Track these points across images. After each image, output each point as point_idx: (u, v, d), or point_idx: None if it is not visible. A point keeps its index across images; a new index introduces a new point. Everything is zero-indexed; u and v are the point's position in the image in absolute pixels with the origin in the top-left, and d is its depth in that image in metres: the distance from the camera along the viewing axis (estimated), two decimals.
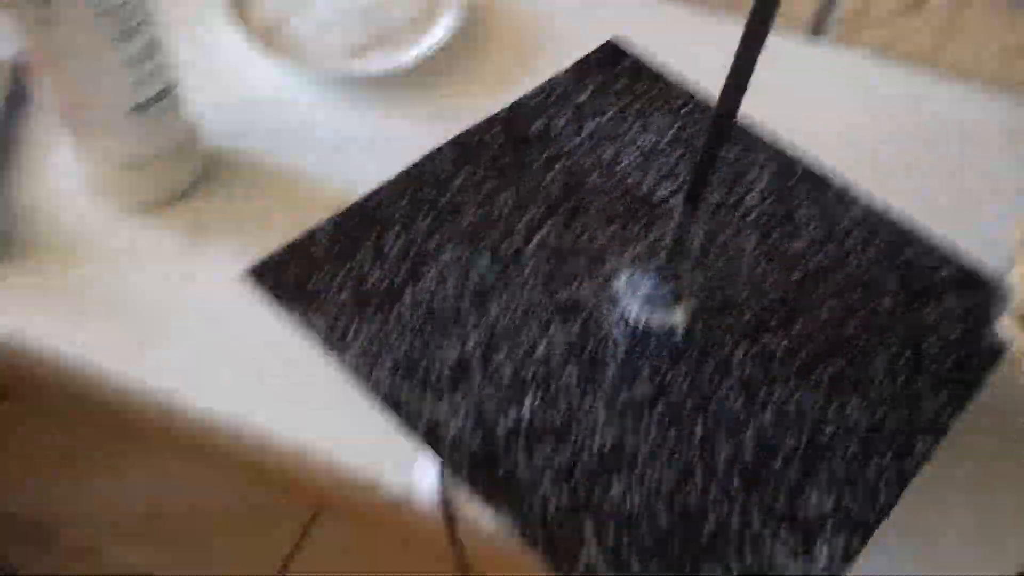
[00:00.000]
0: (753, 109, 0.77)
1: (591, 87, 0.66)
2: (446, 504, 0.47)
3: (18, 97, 0.64)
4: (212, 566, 1.14)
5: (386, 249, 0.55)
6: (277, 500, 1.15)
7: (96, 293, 0.56)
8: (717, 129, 0.43)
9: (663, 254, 0.52)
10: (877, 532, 0.55)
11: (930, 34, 0.79)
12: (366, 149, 0.66)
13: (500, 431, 0.48)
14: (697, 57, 0.80)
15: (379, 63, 0.70)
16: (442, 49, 0.77)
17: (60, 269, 0.57)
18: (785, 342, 0.53)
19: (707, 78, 0.71)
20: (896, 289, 0.56)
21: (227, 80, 0.69)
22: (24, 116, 0.64)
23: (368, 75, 0.71)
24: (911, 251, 0.58)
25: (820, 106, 0.79)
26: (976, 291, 0.56)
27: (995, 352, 0.53)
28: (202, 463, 1.17)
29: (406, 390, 0.48)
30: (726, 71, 0.41)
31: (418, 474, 0.49)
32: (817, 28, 0.82)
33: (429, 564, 0.63)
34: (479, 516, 0.47)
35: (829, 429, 0.49)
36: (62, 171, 0.60)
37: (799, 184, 0.61)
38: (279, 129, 0.66)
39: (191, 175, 0.60)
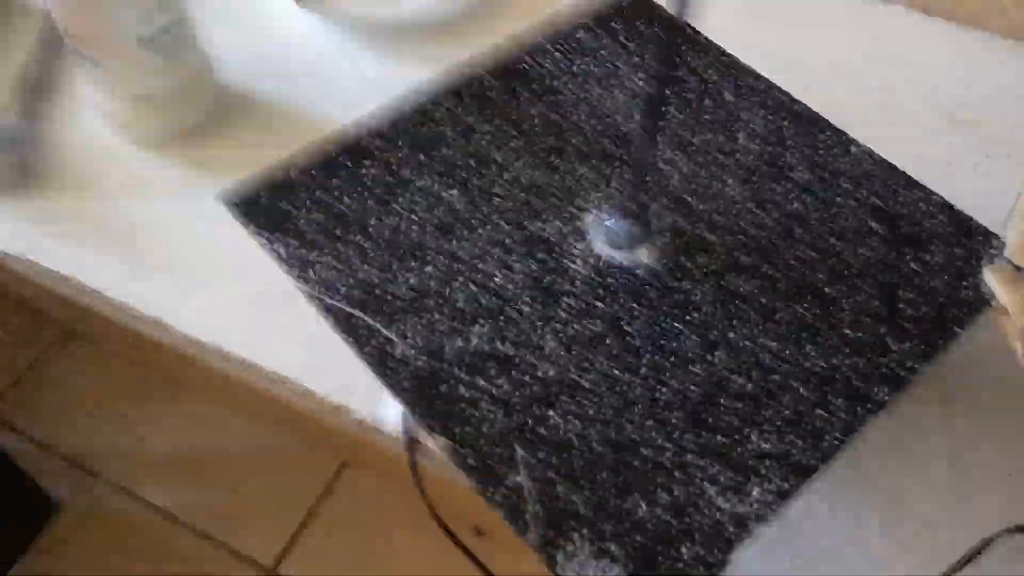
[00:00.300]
0: (754, 49, 0.75)
1: (593, 24, 0.65)
2: (408, 433, 0.48)
3: (53, 39, 0.67)
4: (242, 508, 1.20)
5: (361, 177, 0.56)
6: (308, 448, 1.19)
7: (102, 221, 0.59)
8: (669, 46, 0.42)
9: (626, 191, 0.51)
10: (844, 489, 0.54)
11: None
12: (380, 96, 0.67)
13: (447, 355, 0.48)
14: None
15: (404, 10, 0.70)
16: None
17: (72, 197, 0.60)
18: (752, 283, 0.52)
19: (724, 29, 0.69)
20: (881, 236, 0.54)
21: (247, 20, 0.70)
22: (58, 56, 0.67)
23: (392, 22, 0.71)
24: (903, 198, 0.55)
25: (825, 46, 0.76)
26: (967, 242, 0.54)
27: (974, 306, 0.51)
28: (236, 408, 1.23)
29: (361, 314, 0.50)
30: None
31: (384, 402, 0.50)
32: None
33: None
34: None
35: (782, 371, 0.48)
36: (85, 106, 0.63)
37: (793, 126, 0.59)
38: (297, 71, 0.67)
39: (203, 111, 0.62)
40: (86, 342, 1.33)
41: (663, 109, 0.57)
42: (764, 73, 0.64)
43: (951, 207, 0.55)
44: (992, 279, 0.51)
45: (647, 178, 0.52)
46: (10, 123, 0.59)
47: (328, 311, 0.50)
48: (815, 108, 0.73)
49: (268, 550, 1.18)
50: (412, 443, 0.48)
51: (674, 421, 0.46)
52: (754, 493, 0.44)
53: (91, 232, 0.58)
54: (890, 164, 0.57)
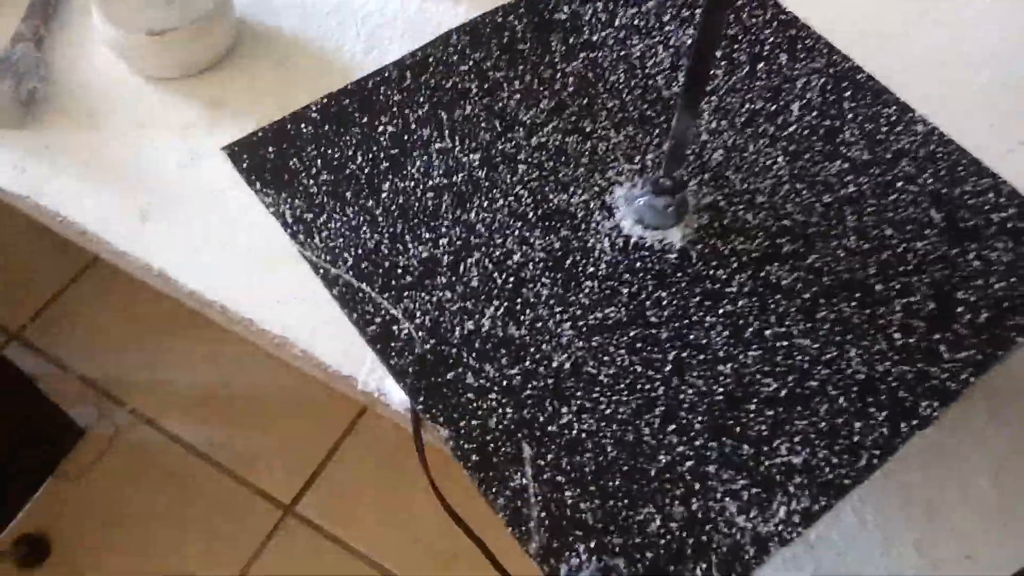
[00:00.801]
0: (815, 9, 0.68)
1: None
2: (415, 411, 0.45)
3: None
4: (263, 446, 1.19)
5: (375, 135, 0.52)
6: (329, 390, 1.17)
7: (107, 162, 0.56)
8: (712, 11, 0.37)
9: (663, 164, 0.46)
10: (878, 498, 0.50)
11: None
12: (407, 33, 0.62)
13: (455, 338, 0.45)
14: None
15: None
16: None
17: (79, 133, 0.57)
18: (794, 275, 0.47)
19: None
20: (941, 227, 0.48)
21: None
22: None
23: None
24: (970, 186, 0.50)
25: (897, 6, 0.69)
26: None
27: None
28: (258, 349, 1.21)
29: (367, 288, 0.46)
30: None
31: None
32: None
33: None
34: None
35: (819, 377, 0.44)
36: (97, 39, 0.60)
37: (854, 98, 0.53)
38: (316, 8, 0.63)
39: (218, 48, 0.58)
40: (112, 270, 1.31)
41: (710, 72, 0.52)
42: (825, 33, 0.58)
43: (1019, 197, 0.49)
44: None
45: (687, 151, 0.47)
46: (21, 52, 0.56)
47: (332, 283, 0.46)
48: (878, 73, 0.66)
49: (287, 487, 1.18)
50: (418, 420, 0.45)
51: (697, 426, 0.43)
52: (779, 512, 0.40)
53: (96, 172, 0.55)
54: (958, 146, 0.51)
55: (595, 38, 0.56)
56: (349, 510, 1.17)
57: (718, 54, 0.55)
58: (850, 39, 0.68)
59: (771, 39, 0.56)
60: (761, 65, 0.54)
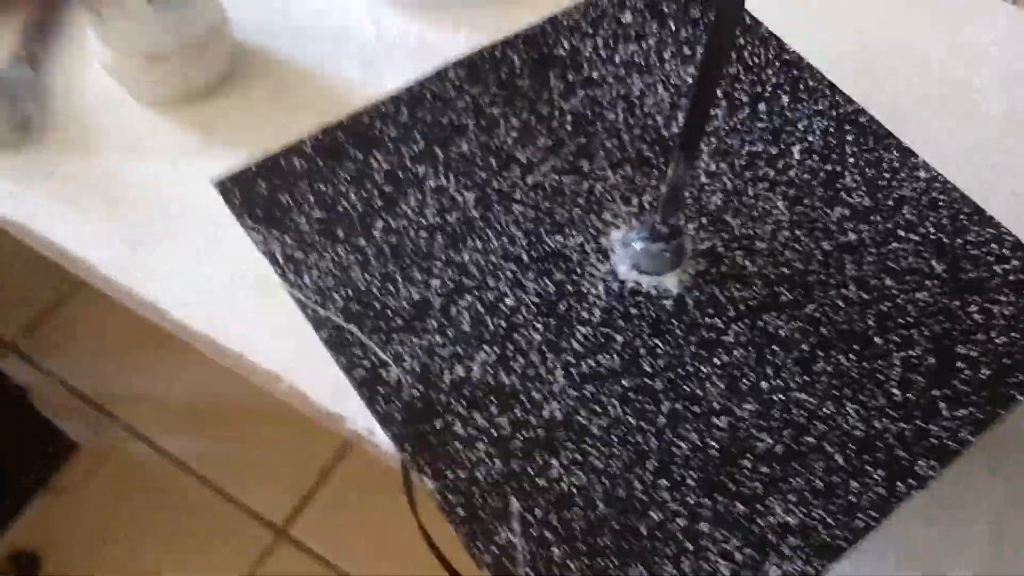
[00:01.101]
0: (816, 34, 0.68)
1: (640, 5, 0.58)
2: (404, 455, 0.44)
3: None
4: (257, 464, 1.18)
5: (369, 171, 0.51)
6: None
7: (99, 188, 0.55)
8: (715, 52, 0.36)
9: (659, 208, 0.46)
10: (874, 555, 0.49)
11: None
12: (404, 63, 0.62)
13: (444, 385, 0.44)
14: None
15: None
16: None
17: (72, 157, 0.56)
18: (791, 324, 0.46)
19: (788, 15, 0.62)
20: (941, 278, 0.48)
21: None
22: (66, 5, 0.63)
23: None
24: (972, 235, 0.49)
25: (894, 34, 0.69)
26: None
27: None
28: None
29: (354, 329, 0.45)
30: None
31: None
32: None
33: None
34: None
35: (816, 432, 0.43)
36: (92, 60, 0.59)
37: (856, 141, 0.53)
38: (317, 30, 0.62)
39: (215, 73, 0.57)
40: None
41: (710, 115, 0.51)
42: (825, 64, 0.57)
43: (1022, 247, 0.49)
44: None
45: (684, 196, 0.46)
46: (16, 73, 0.55)
47: (321, 324, 0.45)
48: (881, 113, 0.66)
49: (280, 508, 1.17)
50: (408, 465, 0.44)
51: (690, 482, 0.42)
52: (771, 574, 0.39)
53: (88, 198, 0.55)
54: (962, 194, 0.50)
55: (595, 75, 0.55)
56: (342, 533, 1.16)
57: (719, 94, 0.54)
58: (854, 78, 0.67)
59: (773, 79, 0.55)
60: (762, 106, 0.54)
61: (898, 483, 0.42)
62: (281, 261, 0.47)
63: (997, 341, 0.46)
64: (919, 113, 0.67)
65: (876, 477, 0.42)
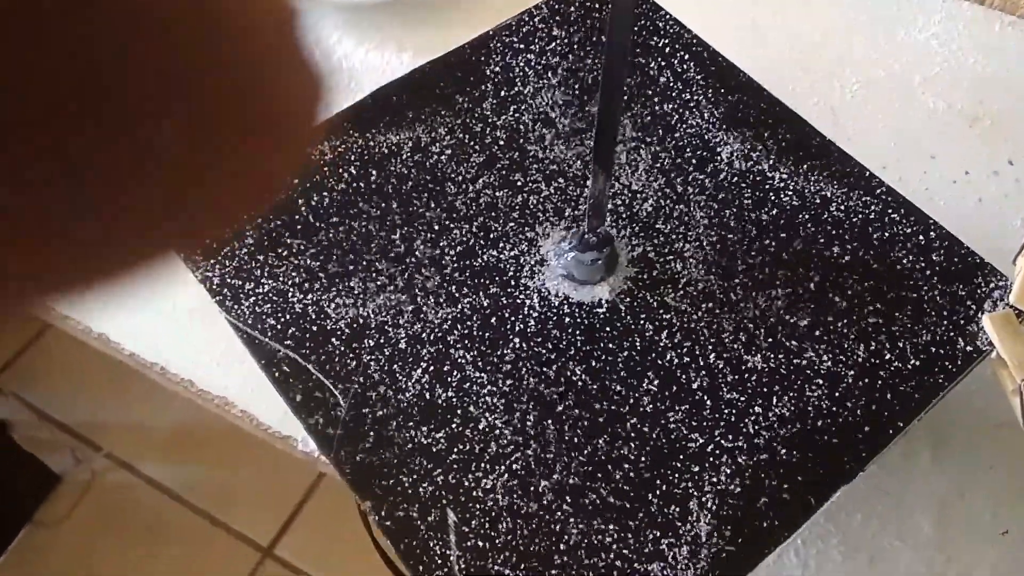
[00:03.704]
0: (742, 29, 0.69)
1: (570, 20, 0.59)
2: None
3: None
4: (241, 488, 1.19)
5: (304, 195, 0.52)
6: None
7: None
8: (613, 67, 0.37)
9: (585, 220, 0.47)
10: (819, 544, 0.50)
11: None
12: (352, 83, 0.63)
13: (382, 404, 0.45)
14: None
15: None
16: None
17: None
18: (721, 325, 0.47)
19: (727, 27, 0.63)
20: (871, 272, 0.48)
21: None
22: None
23: (363, 2, 0.68)
24: (899, 228, 0.50)
25: (832, 28, 0.70)
26: (967, 283, 0.48)
27: (969, 358, 0.46)
28: None
29: (291, 354, 0.46)
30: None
31: None
32: None
33: None
34: None
35: (746, 430, 0.44)
36: None
37: (782, 141, 0.53)
38: None
39: None
40: None
41: (618, 129, 0.52)
42: (762, 66, 0.59)
43: (951, 238, 0.49)
44: (991, 328, 0.46)
45: (606, 207, 0.47)
46: None
47: (258, 350, 0.46)
48: (816, 104, 0.67)
49: (265, 530, 1.18)
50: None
51: (623, 486, 0.42)
52: (710, 572, 0.40)
53: None
54: (890, 188, 0.51)
55: (527, 90, 0.56)
56: (329, 551, 1.16)
57: (654, 102, 0.55)
58: (792, 79, 0.68)
59: (701, 82, 0.56)
60: (689, 112, 0.55)
61: (828, 477, 0.42)
62: (218, 288, 0.48)
63: (924, 335, 0.47)
64: (858, 110, 0.68)
65: (807, 473, 0.43)
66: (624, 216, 0.51)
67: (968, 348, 0.46)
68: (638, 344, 0.47)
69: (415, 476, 0.43)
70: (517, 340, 0.47)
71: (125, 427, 1.26)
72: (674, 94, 0.55)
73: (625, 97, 0.55)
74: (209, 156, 0.15)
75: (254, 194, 0.17)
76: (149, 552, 1.17)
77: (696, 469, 0.43)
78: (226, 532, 1.18)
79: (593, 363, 0.46)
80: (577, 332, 0.47)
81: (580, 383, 0.45)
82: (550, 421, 0.44)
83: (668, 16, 0.58)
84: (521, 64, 0.57)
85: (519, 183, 0.52)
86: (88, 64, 0.12)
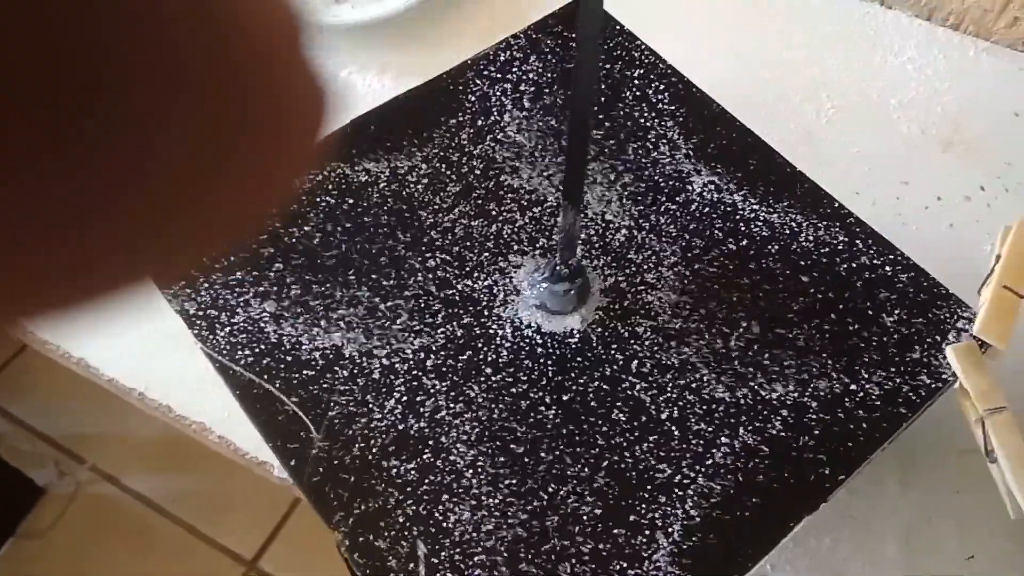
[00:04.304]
0: (733, 78, 0.70)
1: (548, 51, 0.60)
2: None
3: None
4: (225, 500, 1.19)
5: (279, 223, 0.52)
6: None
7: None
8: (581, 103, 0.38)
9: (557, 252, 0.47)
10: (786, 571, 0.51)
11: None
12: (342, 103, 0.63)
13: (354, 433, 0.45)
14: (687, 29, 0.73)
15: (357, 12, 0.67)
16: (424, 1, 0.73)
17: None
18: (691, 357, 0.48)
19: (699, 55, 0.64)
20: (840, 307, 0.49)
21: None
22: None
23: (344, 24, 0.68)
24: (866, 259, 0.51)
25: (810, 52, 0.71)
26: (932, 313, 0.49)
27: (932, 389, 0.47)
28: None
29: (265, 384, 0.47)
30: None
31: None
32: None
33: None
34: None
35: (713, 462, 0.45)
36: None
37: (754, 172, 0.54)
38: None
39: None
40: None
41: (586, 164, 0.53)
42: (740, 92, 0.59)
43: (917, 269, 0.50)
44: (955, 359, 0.47)
45: (577, 239, 0.48)
46: None
47: (232, 380, 0.47)
48: (792, 130, 0.68)
49: (250, 543, 1.18)
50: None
51: (592, 518, 0.43)
52: None
53: None
54: (856, 218, 0.52)
55: (504, 119, 0.57)
56: (311, 565, 1.17)
57: (627, 132, 0.56)
58: (768, 105, 0.69)
59: (675, 113, 0.57)
60: (664, 141, 0.55)
61: (794, 507, 0.43)
62: (193, 317, 0.49)
63: (889, 366, 0.47)
64: (833, 134, 0.69)
65: (771, 504, 0.43)
66: (597, 246, 0.52)
67: (932, 379, 0.47)
68: (608, 374, 0.47)
69: (386, 507, 0.43)
70: (489, 371, 0.47)
71: (109, 439, 1.26)
72: (648, 124, 0.56)
73: (597, 132, 0.55)
74: (209, 162, 0.15)
75: (246, 208, 0.17)
76: (133, 565, 1.17)
77: (663, 500, 0.44)
78: (210, 545, 1.18)
79: (564, 394, 0.47)
80: (549, 363, 0.48)
81: (551, 414, 0.46)
82: (521, 453, 0.45)
83: (643, 46, 0.59)
84: (499, 94, 0.57)
85: (494, 212, 0.53)
86: (89, 65, 0.12)
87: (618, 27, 0.60)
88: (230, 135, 0.15)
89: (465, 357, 0.48)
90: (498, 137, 0.56)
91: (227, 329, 0.48)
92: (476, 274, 0.50)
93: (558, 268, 0.48)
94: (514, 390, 0.47)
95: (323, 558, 1.15)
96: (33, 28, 0.11)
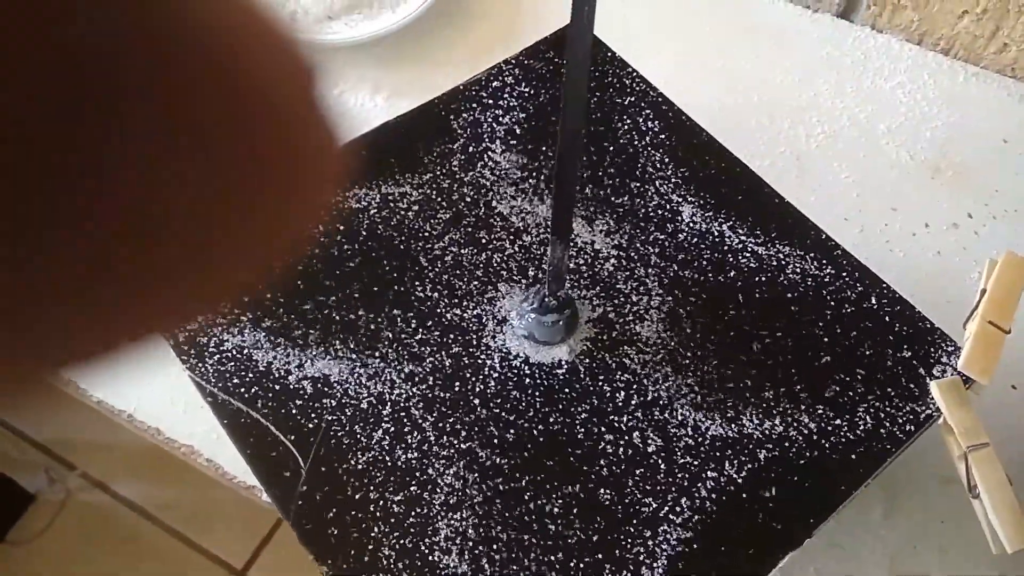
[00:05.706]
0: (710, 76, 0.70)
1: (538, 76, 0.60)
2: None
3: None
4: (216, 508, 1.19)
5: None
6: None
7: None
8: (570, 145, 0.38)
9: (545, 284, 0.47)
10: None
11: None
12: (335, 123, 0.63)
13: (342, 465, 0.46)
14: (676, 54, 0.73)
15: (350, 30, 0.67)
16: (418, 19, 0.73)
17: None
18: (677, 389, 0.48)
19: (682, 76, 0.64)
20: (829, 337, 0.50)
21: None
22: None
23: (337, 41, 0.68)
24: (854, 292, 0.51)
25: (797, 75, 0.72)
26: (917, 347, 0.49)
27: (917, 424, 0.47)
28: None
29: (253, 413, 0.47)
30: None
31: None
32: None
33: None
34: None
35: (699, 496, 0.45)
36: None
37: (742, 203, 0.55)
38: None
39: None
40: None
41: (575, 198, 0.53)
42: (730, 118, 0.60)
43: (903, 302, 0.51)
44: (938, 395, 0.47)
45: (565, 272, 0.48)
46: None
47: (220, 408, 0.47)
48: (782, 155, 0.68)
49: (240, 551, 1.18)
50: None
51: (578, 551, 0.43)
52: None
53: None
54: (843, 250, 0.52)
55: (495, 146, 0.57)
56: (301, 573, 1.17)
57: (618, 160, 0.56)
58: (757, 131, 0.70)
59: (665, 142, 0.57)
60: (652, 172, 0.56)
61: (776, 543, 0.44)
62: (182, 345, 0.49)
63: (874, 401, 0.48)
64: (823, 160, 0.70)
65: (755, 539, 0.44)
66: (586, 276, 0.52)
67: (917, 414, 0.47)
68: (596, 405, 0.48)
69: (372, 540, 0.43)
70: (477, 401, 0.48)
71: (99, 446, 1.26)
72: (638, 153, 0.56)
73: (586, 159, 0.56)
74: (226, 220, 0.15)
75: (264, 260, 0.17)
76: (123, 572, 1.17)
77: (648, 533, 0.44)
78: (201, 553, 1.18)
79: (552, 426, 0.47)
80: (536, 394, 0.48)
81: (538, 446, 0.46)
82: (509, 485, 0.45)
83: (634, 73, 0.59)
84: (490, 120, 0.58)
85: (484, 240, 0.53)
86: (97, 120, 0.12)
87: (609, 54, 0.60)
88: (247, 194, 0.15)
89: (454, 389, 0.48)
90: (488, 164, 0.56)
91: (216, 357, 0.48)
92: (465, 303, 0.51)
93: (547, 299, 0.48)
94: (502, 422, 0.47)
95: (313, 568, 1.15)
96: (48, 87, 0.11)
